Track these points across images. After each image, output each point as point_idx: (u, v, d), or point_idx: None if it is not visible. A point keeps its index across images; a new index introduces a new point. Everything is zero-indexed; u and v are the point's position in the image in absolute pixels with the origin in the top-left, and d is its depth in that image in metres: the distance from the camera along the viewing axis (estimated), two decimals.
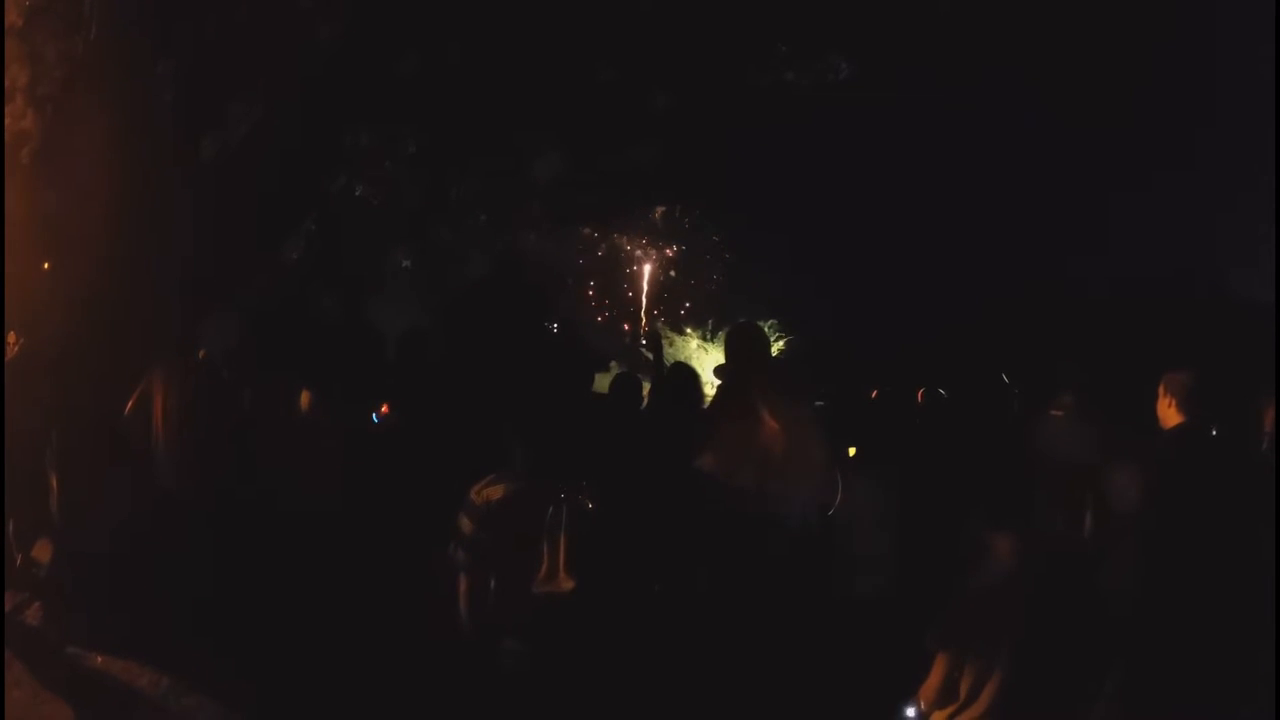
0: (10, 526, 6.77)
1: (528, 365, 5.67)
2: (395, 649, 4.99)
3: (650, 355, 7.83)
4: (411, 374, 6.18)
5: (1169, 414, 4.24)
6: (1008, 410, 6.52)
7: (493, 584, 3.97)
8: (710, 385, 6.10)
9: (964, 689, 3.45)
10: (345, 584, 5.22)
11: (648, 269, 43.15)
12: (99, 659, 5.65)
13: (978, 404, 6.62)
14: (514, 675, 3.90)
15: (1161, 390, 4.28)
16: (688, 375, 6.59)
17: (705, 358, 40.84)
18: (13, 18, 6.84)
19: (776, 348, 35.97)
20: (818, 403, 7.94)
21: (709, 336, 43.28)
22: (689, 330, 43.27)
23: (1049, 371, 6.28)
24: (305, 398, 5.84)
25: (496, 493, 3.92)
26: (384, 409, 6.25)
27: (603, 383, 7.00)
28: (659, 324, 42.47)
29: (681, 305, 43.34)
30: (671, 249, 42.80)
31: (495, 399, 5.29)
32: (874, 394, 7.99)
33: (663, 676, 3.78)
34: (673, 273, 43.19)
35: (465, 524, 4.00)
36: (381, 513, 5.35)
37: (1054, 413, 5.67)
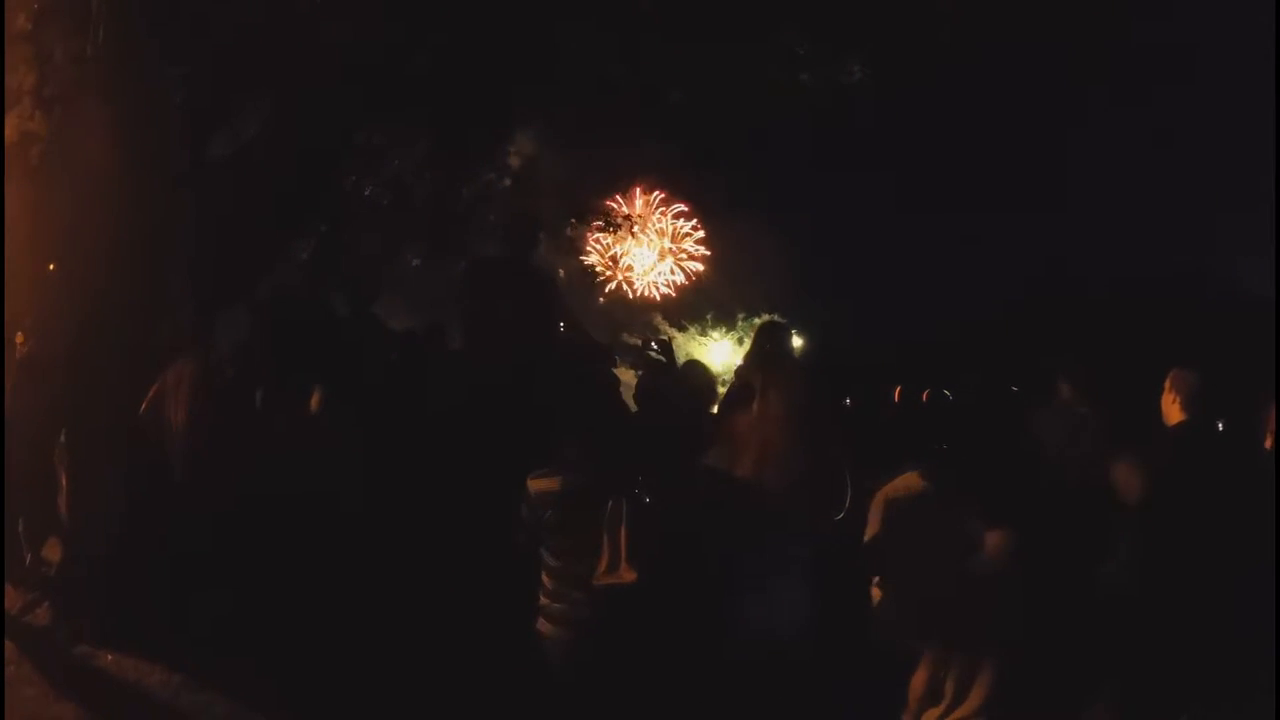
0: (20, 525, 6.81)
1: (552, 361, 5.67)
2: (411, 645, 5.01)
3: (663, 357, 7.79)
4: (434, 368, 6.21)
5: (1172, 410, 4.26)
6: (1010, 409, 6.54)
7: (545, 577, 3.99)
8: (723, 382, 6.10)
9: (949, 688, 3.43)
10: (358, 580, 5.24)
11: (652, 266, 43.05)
12: (109, 657, 5.69)
13: (980, 403, 6.63)
14: (555, 663, 3.93)
15: (1167, 386, 4.29)
16: (702, 372, 6.61)
17: (704, 352, 40.93)
18: (21, 21, 6.85)
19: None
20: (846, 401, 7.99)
21: (706, 331, 43.35)
22: (687, 325, 43.27)
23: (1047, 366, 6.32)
24: (316, 396, 5.87)
25: (552, 484, 3.94)
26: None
27: None
28: (658, 320, 42.49)
29: (679, 301, 43.26)
30: (672, 245, 42.78)
31: (525, 395, 5.30)
32: (897, 392, 8.02)
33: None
34: (671, 271, 43.09)
35: (525, 513, 4.04)
36: (397, 509, 5.36)
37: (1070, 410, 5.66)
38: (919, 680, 3.52)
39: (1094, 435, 5.32)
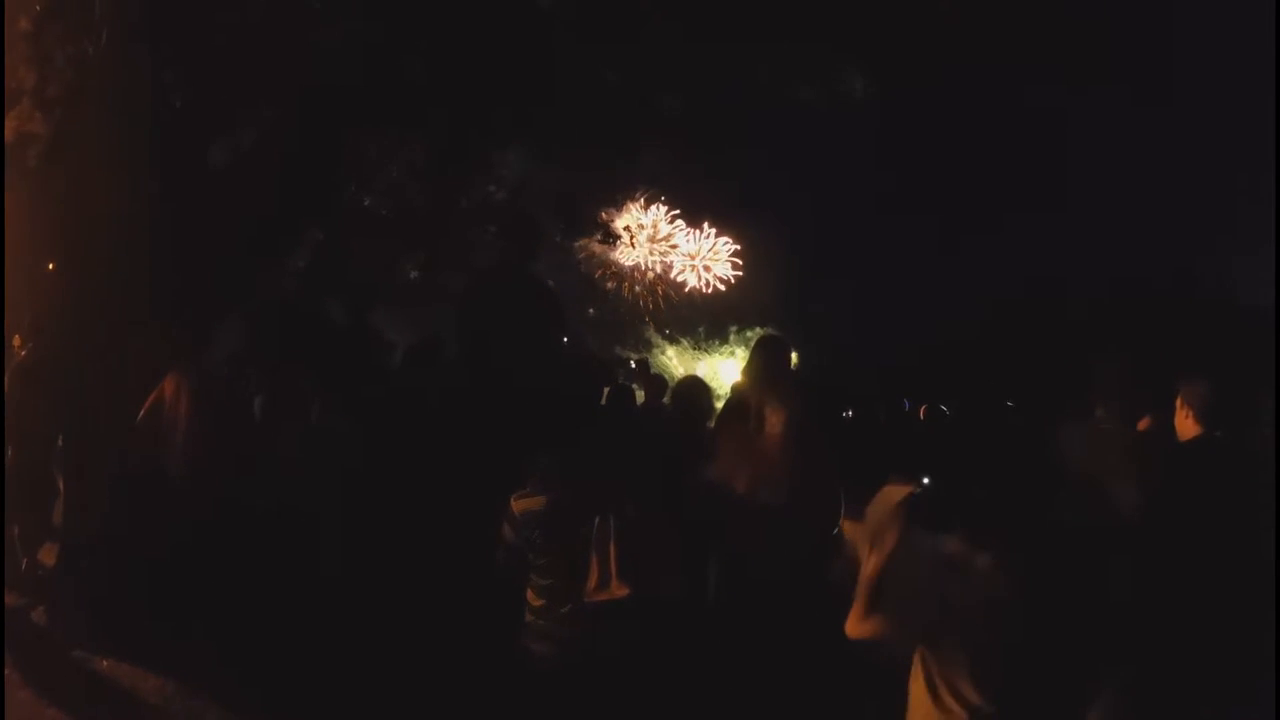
0: (16, 530, 6.76)
1: (549, 377, 5.64)
2: (404, 653, 4.97)
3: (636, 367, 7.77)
4: (430, 381, 6.18)
5: (1186, 425, 4.23)
6: (1005, 423, 6.53)
7: (532, 596, 3.95)
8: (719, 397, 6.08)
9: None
10: (354, 588, 5.21)
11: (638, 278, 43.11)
12: (104, 662, 5.64)
13: (977, 418, 6.62)
14: (541, 678, 3.89)
15: (1179, 401, 4.27)
16: (696, 386, 6.59)
17: (696, 365, 41.02)
18: (23, 23, 6.84)
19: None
20: (847, 413, 7.99)
21: (699, 345, 43.41)
22: (682, 339, 43.33)
23: (1079, 377, 6.21)
24: (315, 406, 5.85)
25: (536, 503, 3.91)
26: None
27: None
28: (649, 331, 42.60)
29: (673, 313, 43.35)
30: (663, 257, 42.87)
31: (519, 409, 5.27)
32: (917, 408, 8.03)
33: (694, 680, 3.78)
34: (658, 287, 43.15)
35: (507, 533, 4.00)
36: (392, 517, 5.33)
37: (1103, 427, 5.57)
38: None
39: (1127, 450, 5.21)
